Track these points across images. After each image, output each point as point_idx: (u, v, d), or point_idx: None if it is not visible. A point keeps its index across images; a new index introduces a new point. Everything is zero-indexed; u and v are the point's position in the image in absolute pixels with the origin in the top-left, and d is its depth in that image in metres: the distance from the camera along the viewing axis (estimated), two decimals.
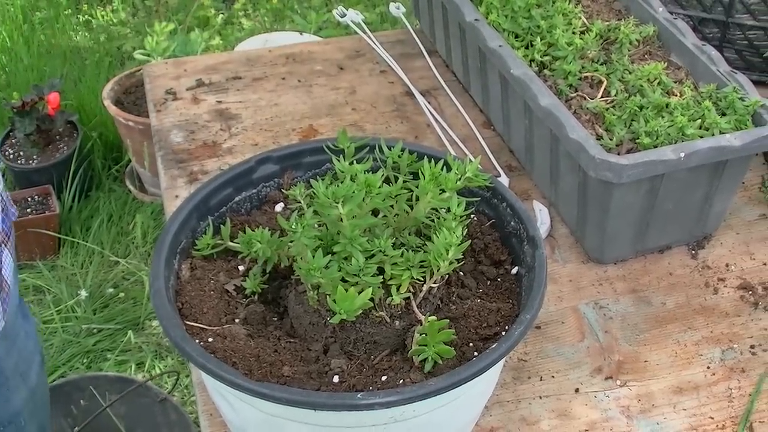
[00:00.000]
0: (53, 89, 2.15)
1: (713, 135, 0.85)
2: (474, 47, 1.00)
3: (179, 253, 0.70)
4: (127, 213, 2.18)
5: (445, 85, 1.14)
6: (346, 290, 0.61)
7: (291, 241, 0.64)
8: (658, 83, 0.91)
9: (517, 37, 0.97)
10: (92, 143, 2.24)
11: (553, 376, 0.80)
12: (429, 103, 1.11)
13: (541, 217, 0.93)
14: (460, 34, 1.06)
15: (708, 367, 0.81)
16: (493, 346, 0.62)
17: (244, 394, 0.58)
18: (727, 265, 0.91)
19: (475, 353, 0.64)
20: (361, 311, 0.62)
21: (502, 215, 0.74)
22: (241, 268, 0.71)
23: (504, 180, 0.98)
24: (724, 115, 0.88)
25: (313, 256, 0.62)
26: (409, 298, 0.65)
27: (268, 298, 0.70)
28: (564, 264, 0.91)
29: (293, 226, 0.63)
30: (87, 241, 2.09)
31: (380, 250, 0.64)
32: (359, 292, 0.61)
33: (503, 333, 0.66)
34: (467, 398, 0.65)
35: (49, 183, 2.14)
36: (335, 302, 0.60)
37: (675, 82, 0.92)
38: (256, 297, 0.69)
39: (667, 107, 0.88)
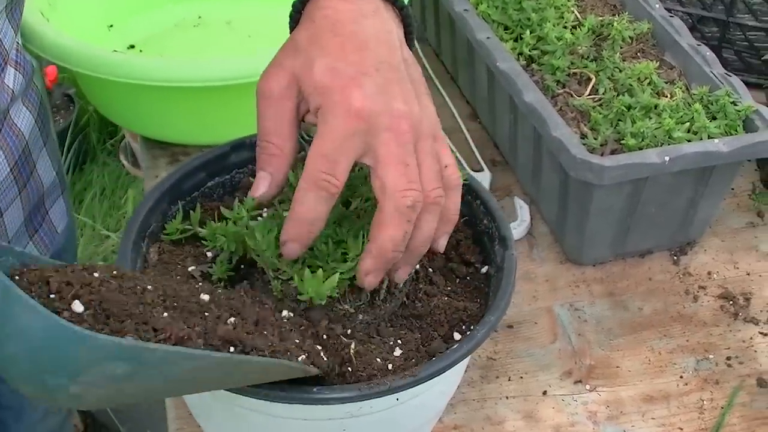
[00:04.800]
0: (51, 62, 2.13)
1: (701, 139, 0.83)
2: (462, 38, 0.98)
3: (148, 236, 0.68)
4: (120, 187, 2.17)
5: (433, 75, 1.12)
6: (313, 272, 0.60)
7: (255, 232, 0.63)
8: (649, 83, 0.89)
9: (506, 29, 0.95)
10: (88, 117, 2.23)
11: (521, 377, 0.79)
12: None
13: (522, 214, 0.91)
14: (450, 23, 1.04)
15: (681, 377, 0.79)
16: (454, 346, 0.60)
17: None
18: (709, 273, 0.89)
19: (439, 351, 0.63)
20: (326, 300, 0.60)
21: (475, 213, 0.72)
22: (209, 254, 0.69)
23: (486, 175, 0.96)
24: (714, 119, 0.86)
25: (270, 239, 0.60)
26: (375, 291, 0.64)
27: (234, 286, 0.68)
28: (541, 263, 0.89)
29: (238, 213, 0.62)
30: (79, 214, 2.08)
31: (344, 240, 0.62)
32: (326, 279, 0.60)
33: (467, 333, 0.64)
34: (426, 397, 0.64)
35: None
36: (302, 282, 0.59)
37: (666, 83, 0.90)
38: (222, 284, 0.67)
39: (655, 108, 0.86)
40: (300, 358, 0.55)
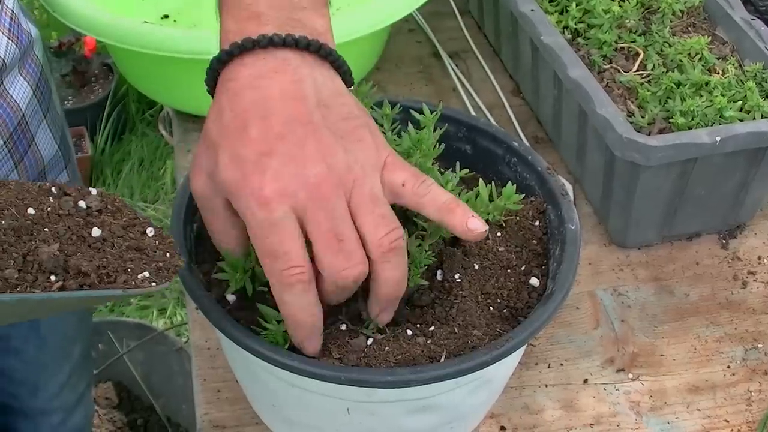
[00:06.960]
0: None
1: (754, 119, 0.79)
2: (506, 10, 0.95)
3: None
4: (158, 158, 2.17)
5: (475, 48, 1.09)
6: None
7: None
8: (700, 59, 0.85)
9: (551, 1, 0.91)
10: (127, 86, 2.22)
11: (561, 364, 0.76)
12: (457, 66, 1.06)
13: None
14: None
15: (728, 367, 0.76)
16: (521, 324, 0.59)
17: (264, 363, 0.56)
18: (759, 258, 0.85)
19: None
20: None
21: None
22: None
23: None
24: None
25: None
26: None
27: None
28: (584, 245, 0.86)
29: None
30: (117, 185, 2.09)
31: None
32: None
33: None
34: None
35: (83, 125, 2.13)
36: None
37: (718, 59, 0.86)
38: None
39: (706, 86, 0.82)
40: (141, 275, 0.50)
